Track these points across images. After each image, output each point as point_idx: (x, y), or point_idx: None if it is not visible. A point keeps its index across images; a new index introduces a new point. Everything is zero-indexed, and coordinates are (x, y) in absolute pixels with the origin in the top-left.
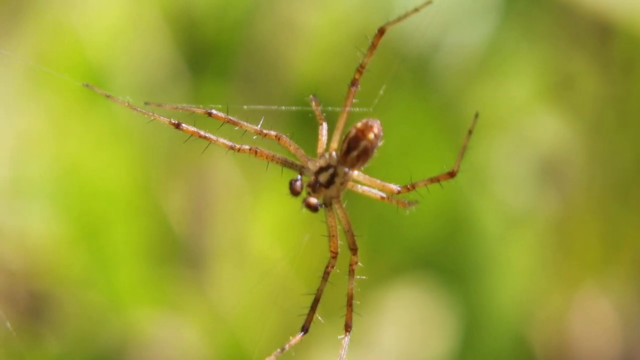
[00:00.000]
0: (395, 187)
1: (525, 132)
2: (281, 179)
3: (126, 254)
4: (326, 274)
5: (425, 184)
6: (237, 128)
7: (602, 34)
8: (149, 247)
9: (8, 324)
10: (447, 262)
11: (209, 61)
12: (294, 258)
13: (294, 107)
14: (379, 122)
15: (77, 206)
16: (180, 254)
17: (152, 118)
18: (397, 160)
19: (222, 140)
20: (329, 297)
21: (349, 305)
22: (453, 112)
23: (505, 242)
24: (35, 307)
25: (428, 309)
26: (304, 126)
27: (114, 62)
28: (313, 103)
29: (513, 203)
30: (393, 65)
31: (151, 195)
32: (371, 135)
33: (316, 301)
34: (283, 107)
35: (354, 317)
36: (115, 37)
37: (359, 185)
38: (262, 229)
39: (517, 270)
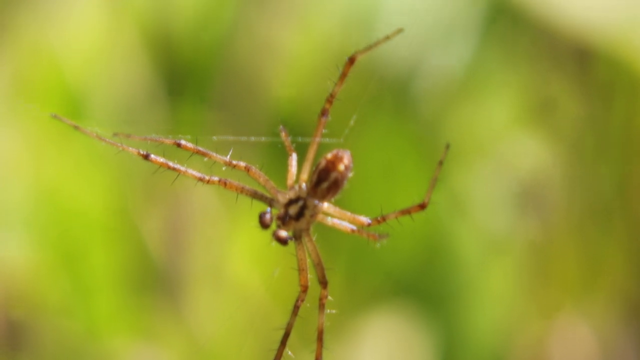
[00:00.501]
0: (365, 220)
1: (505, 156)
2: (251, 210)
3: (104, 281)
4: (296, 308)
5: (396, 216)
6: (206, 159)
7: (582, 57)
8: (127, 273)
9: None
10: (425, 288)
11: (187, 83)
12: (269, 286)
13: (263, 138)
14: (349, 152)
15: (55, 232)
16: (158, 280)
17: (120, 149)
18: (375, 186)
19: (191, 171)
20: (303, 330)
21: (319, 339)
22: (432, 137)
23: (484, 267)
24: (12, 335)
25: (406, 336)
26: (280, 154)
27: (92, 83)
28: (282, 134)
29: (492, 228)
30: (368, 90)
31: (129, 220)
32: (341, 167)
33: (286, 336)
34: (252, 138)
35: (324, 353)
36: (94, 58)
37: (329, 218)
38: (240, 255)
39: (496, 296)
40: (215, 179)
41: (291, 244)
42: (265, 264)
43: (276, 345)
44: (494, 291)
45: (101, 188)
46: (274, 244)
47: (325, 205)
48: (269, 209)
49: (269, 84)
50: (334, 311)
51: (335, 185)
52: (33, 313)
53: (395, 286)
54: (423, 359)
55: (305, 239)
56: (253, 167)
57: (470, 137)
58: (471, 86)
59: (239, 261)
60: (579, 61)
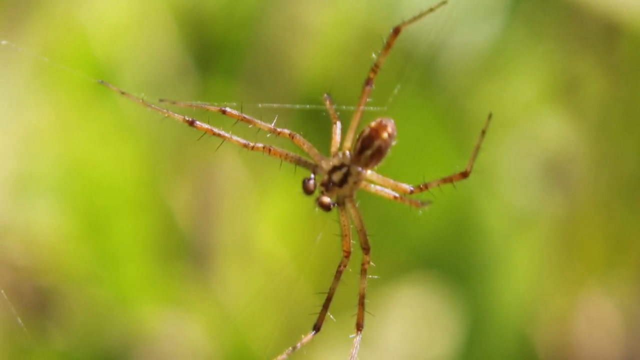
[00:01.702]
0: (408, 187)
1: (531, 133)
2: (294, 177)
3: (132, 250)
4: (338, 273)
5: (438, 184)
6: (250, 126)
7: (609, 35)
8: (155, 243)
9: (19, 320)
10: (451, 261)
11: (217, 59)
12: (305, 256)
13: (307, 106)
14: (392, 121)
15: (84, 202)
16: (186, 251)
17: (166, 115)
18: (404, 159)
19: (235, 138)
20: (338, 296)
21: (361, 304)
22: (459, 112)
23: (510, 242)
24: (40, 303)
25: (432, 309)
26: (314, 124)
27: (122, 58)
28: (327, 102)
29: (518, 203)
30: (404, 66)
31: (157, 191)
32: (385, 135)
33: (328, 300)
34: (297, 106)
35: (366, 316)
36: (123, 33)
37: (372, 185)
38: (268, 227)
39: (522, 271)
40: (260, 145)
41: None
42: (293, 235)
43: (317, 310)
44: (519, 265)
45: (130, 157)
46: (317, 209)
47: (369, 172)
48: (312, 175)
49: (298, 60)
50: (375, 277)
51: (379, 153)
52: (61, 281)
53: (421, 259)
54: (449, 331)
55: (348, 206)
56: (297, 135)
57: (498, 112)
58: (499, 63)
59: (267, 232)
60: (606, 39)
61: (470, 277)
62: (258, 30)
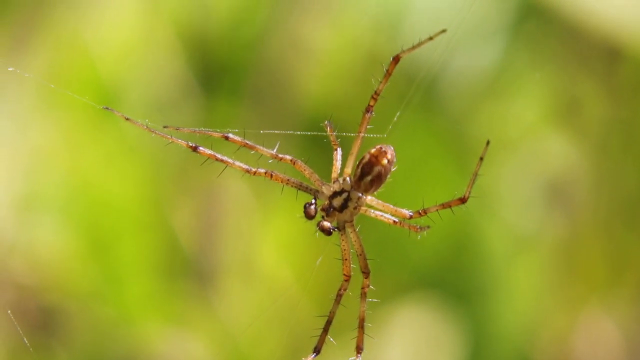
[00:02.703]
0: (407, 212)
1: (533, 154)
2: (296, 200)
3: (136, 268)
4: (339, 297)
5: (437, 209)
6: (252, 152)
7: (610, 57)
8: (158, 262)
9: (26, 341)
10: (452, 282)
11: (221, 80)
12: (306, 278)
13: (309, 133)
14: (392, 148)
15: (88, 221)
16: (189, 270)
17: (170, 141)
18: (405, 182)
19: (238, 163)
20: (340, 319)
21: (361, 327)
22: (461, 135)
23: (511, 262)
24: (45, 322)
25: (434, 329)
26: (315, 149)
27: (127, 79)
28: (328, 129)
29: (519, 224)
30: (406, 91)
31: (160, 210)
32: (385, 161)
33: (328, 323)
34: (299, 132)
35: (365, 339)
36: (129, 54)
37: (372, 210)
38: (271, 247)
39: (523, 291)
40: (262, 171)
41: (335, 234)
42: (295, 255)
43: (318, 333)
44: (520, 286)
45: (134, 177)
46: (318, 234)
47: (369, 197)
48: (313, 200)
49: (302, 81)
50: (376, 300)
51: (379, 179)
52: (66, 299)
53: (422, 280)
54: (450, 352)
55: (348, 230)
56: (299, 161)
57: (499, 134)
58: (500, 85)
59: (269, 252)
60: (607, 61)
61: (472, 298)
62: (262, 52)
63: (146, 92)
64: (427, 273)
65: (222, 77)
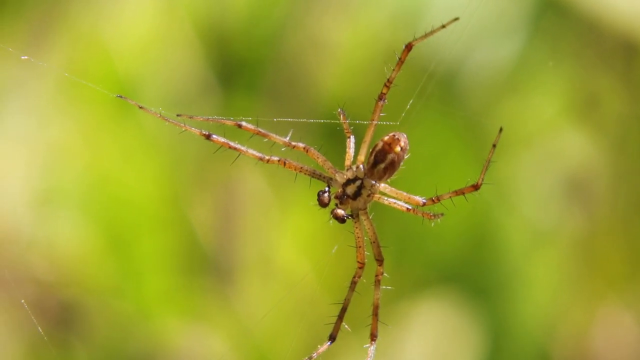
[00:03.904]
0: (420, 200)
1: (551, 149)
2: (310, 189)
3: (154, 264)
4: (353, 284)
5: (450, 197)
6: (266, 140)
7: (628, 53)
8: (177, 257)
9: (43, 334)
10: (471, 276)
11: (239, 75)
12: (321, 269)
13: (321, 120)
14: (405, 135)
15: (106, 216)
16: (207, 265)
17: (183, 129)
18: (422, 175)
19: (251, 151)
20: (355, 307)
21: (375, 314)
22: (478, 128)
23: (530, 257)
24: (64, 317)
25: (452, 324)
26: (331, 139)
27: (144, 74)
28: (341, 116)
29: (538, 219)
30: (420, 81)
31: (179, 206)
32: (398, 148)
33: (343, 310)
34: (312, 120)
35: (380, 327)
36: (146, 49)
37: (385, 197)
38: (289, 242)
39: (541, 286)
40: (275, 158)
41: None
42: (314, 249)
43: (333, 320)
44: (539, 280)
45: (153, 173)
46: (332, 221)
47: (382, 185)
48: (327, 188)
49: (318, 77)
50: (389, 287)
51: (392, 166)
52: (85, 295)
53: (441, 274)
54: (469, 346)
55: (362, 218)
56: (312, 148)
57: (518, 129)
58: (519, 80)
59: (288, 247)
60: (625, 57)
61: (491, 292)
62: (280, 48)
63: (163, 87)
64: (447, 268)
65: (239, 73)
